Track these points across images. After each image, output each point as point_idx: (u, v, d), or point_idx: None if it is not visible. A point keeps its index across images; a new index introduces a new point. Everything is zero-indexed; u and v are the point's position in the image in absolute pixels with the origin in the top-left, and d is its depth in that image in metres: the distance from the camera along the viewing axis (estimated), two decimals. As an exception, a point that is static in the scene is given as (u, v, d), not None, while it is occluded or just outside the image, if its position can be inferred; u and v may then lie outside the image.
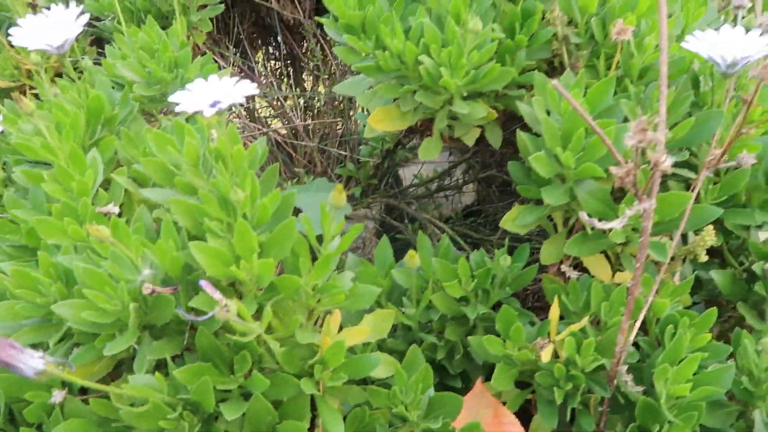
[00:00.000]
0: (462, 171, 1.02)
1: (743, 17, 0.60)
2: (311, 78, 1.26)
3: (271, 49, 1.26)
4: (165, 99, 0.67)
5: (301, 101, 1.18)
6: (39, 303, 0.47)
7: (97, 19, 0.91)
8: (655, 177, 0.44)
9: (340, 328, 0.52)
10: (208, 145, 0.52)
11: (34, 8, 0.94)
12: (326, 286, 0.48)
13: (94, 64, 0.81)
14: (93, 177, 0.55)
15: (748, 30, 0.54)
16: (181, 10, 0.91)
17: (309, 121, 1.12)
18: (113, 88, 0.70)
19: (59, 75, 0.80)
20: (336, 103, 1.16)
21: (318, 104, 1.17)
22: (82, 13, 0.58)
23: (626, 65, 0.59)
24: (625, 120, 0.55)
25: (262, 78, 1.21)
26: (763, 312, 0.54)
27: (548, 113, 0.56)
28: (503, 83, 0.59)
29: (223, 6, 0.93)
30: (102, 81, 0.66)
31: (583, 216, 0.46)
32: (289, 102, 1.26)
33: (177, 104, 0.45)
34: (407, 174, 1.11)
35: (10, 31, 0.56)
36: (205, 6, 0.93)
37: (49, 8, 0.73)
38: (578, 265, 0.60)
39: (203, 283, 0.38)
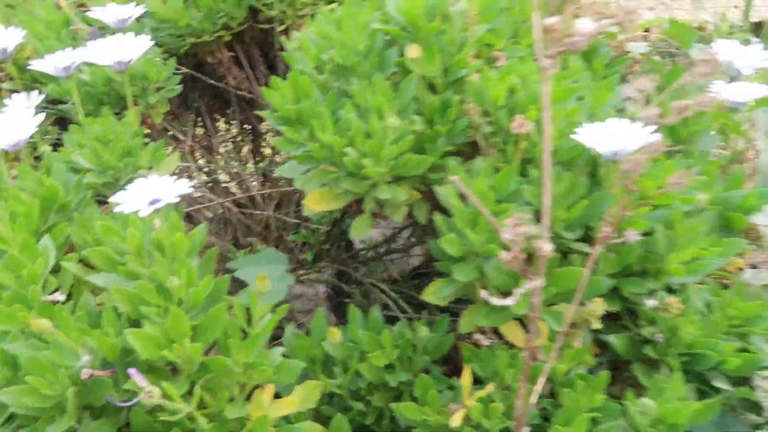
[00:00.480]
0: (408, 234, 1.09)
1: (632, 108, 0.69)
2: (270, 147, 1.33)
3: (230, 121, 1.33)
4: (117, 185, 0.73)
5: (259, 170, 1.24)
6: (-15, 389, 0.51)
7: (60, 102, 0.97)
8: (540, 262, 0.51)
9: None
10: (149, 234, 0.57)
11: (-1, 91, 1.00)
12: (255, 363, 0.52)
13: (56, 144, 0.86)
14: (43, 264, 0.59)
15: (633, 121, 0.62)
16: (140, 93, 0.97)
17: (265, 189, 1.18)
18: (71, 171, 0.75)
19: (17, 159, 0.85)
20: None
21: (272, 172, 1.23)
22: (39, 112, 0.64)
23: (531, 152, 0.66)
24: (528, 203, 0.62)
25: (221, 148, 1.28)
26: (656, 372, 0.60)
27: (462, 197, 0.63)
28: (422, 170, 0.66)
29: (180, 87, 1.00)
30: (58, 168, 0.71)
31: (482, 293, 0.52)
32: (248, 169, 1.33)
33: (118, 206, 0.51)
34: (364, 237, 1.17)
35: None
36: (162, 87, 1.00)
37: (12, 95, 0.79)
38: (498, 332, 0.66)
39: (132, 371, 0.43)
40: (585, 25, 0.53)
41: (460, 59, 0.69)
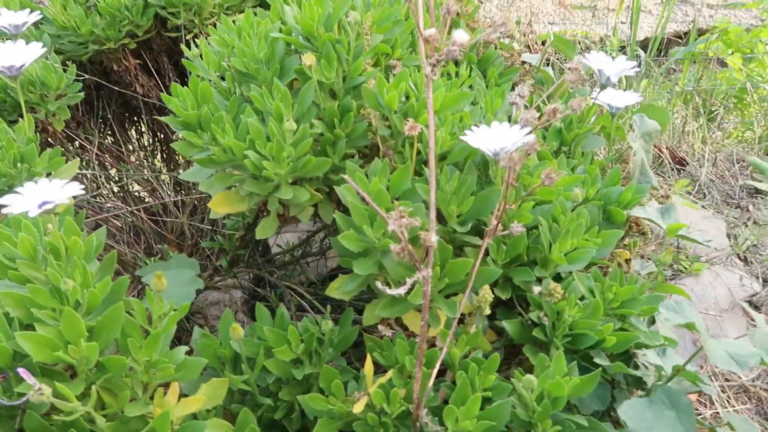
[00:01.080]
0: (323, 237, 1.11)
1: (515, 112, 0.74)
2: (182, 156, 1.31)
3: (140, 130, 1.31)
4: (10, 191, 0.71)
5: (172, 177, 1.23)
6: None
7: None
8: (429, 252, 0.55)
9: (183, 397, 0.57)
10: (43, 239, 0.56)
11: None
12: (156, 361, 0.53)
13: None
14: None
15: (514, 124, 0.67)
16: (39, 101, 0.94)
17: (177, 197, 1.17)
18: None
19: None
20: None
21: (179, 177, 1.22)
22: None
23: (425, 153, 0.70)
24: (423, 201, 0.65)
25: (132, 157, 1.25)
26: (545, 353, 0.65)
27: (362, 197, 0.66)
28: (323, 171, 0.68)
29: (81, 95, 0.98)
30: (-54, 177, 0.69)
31: (377, 284, 0.55)
32: (163, 178, 1.31)
33: (6, 207, 0.50)
34: (281, 241, 1.18)
35: None
36: (63, 95, 0.97)
37: None
38: (400, 323, 0.69)
39: (21, 370, 0.43)
40: (461, 36, 0.58)
41: (357, 66, 0.72)
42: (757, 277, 1.19)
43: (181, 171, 1.34)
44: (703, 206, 1.33)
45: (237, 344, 0.62)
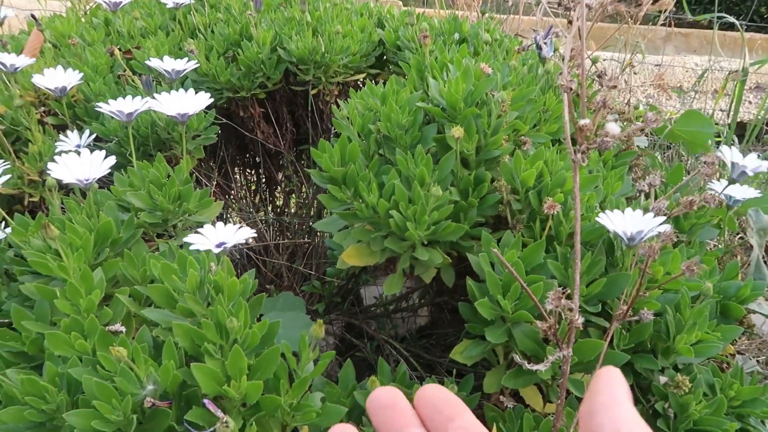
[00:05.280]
0: (418, 295, 1.13)
1: (645, 199, 0.76)
2: (283, 197, 1.38)
3: (251, 171, 1.38)
4: (165, 225, 0.77)
5: (272, 219, 1.29)
6: (45, 410, 0.53)
7: (103, 140, 1.01)
8: (571, 332, 0.56)
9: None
10: (207, 276, 0.61)
11: (43, 124, 1.04)
12: (300, 405, 0.56)
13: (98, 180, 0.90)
14: (99, 295, 0.63)
15: (646, 211, 0.69)
16: (179, 139, 1.03)
17: (280, 240, 1.23)
18: (120, 210, 0.79)
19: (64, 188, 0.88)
20: (306, 225, 1.28)
21: (289, 223, 1.28)
22: (100, 150, 0.69)
23: (556, 230, 0.72)
24: (552, 276, 0.67)
25: (239, 196, 1.32)
26: (665, 445, 0.65)
27: (492, 265, 0.69)
28: (457, 236, 0.71)
29: (215, 137, 1.05)
30: (110, 206, 0.75)
31: (516, 357, 0.56)
32: (260, 214, 1.37)
33: (191, 243, 0.55)
34: (368, 293, 1.21)
35: (49, 165, 0.66)
36: (199, 135, 1.05)
37: (59, 131, 0.84)
38: (516, 395, 0.70)
39: (207, 402, 0.46)
40: (613, 128, 0.61)
41: (495, 141, 0.76)
42: None
43: (280, 213, 1.40)
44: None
45: (361, 395, 0.64)
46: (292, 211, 1.34)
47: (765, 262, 1.42)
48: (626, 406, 0.26)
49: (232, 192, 1.31)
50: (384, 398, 0.29)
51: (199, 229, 0.57)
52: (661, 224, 0.66)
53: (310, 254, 1.24)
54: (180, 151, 1.07)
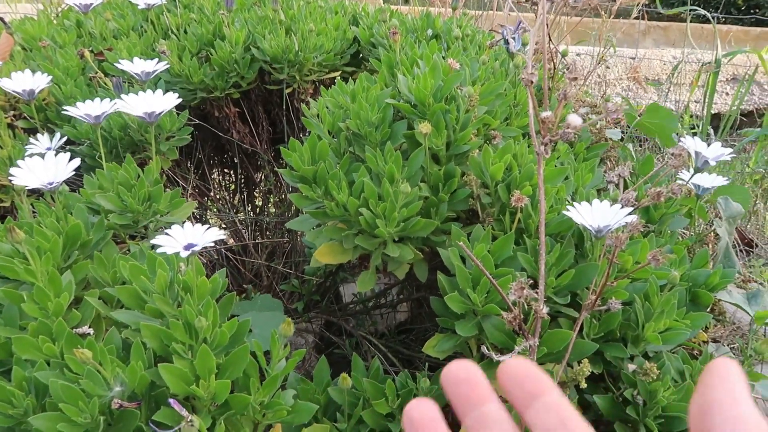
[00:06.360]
0: (396, 291, 1.14)
1: (613, 190, 0.77)
2: (261, 197, 1.38)
3: (227, 171, 1.38)
4: (136, 226, 0.77)
5: (251, 218, 1.29)
6: (12, 414, 0.53)
7: (75, 143, 1.00)
8: (537, 322, 0.57)
9: (280, 441, 0.60)
10: (176, 276, 0.61)
11: (13, 128, 1.03)
12: (271, 402, 0.56)
13: (70, 183, 0.89)
14: (68, 298, 0.62)
15: (615, 202, 0.70)
16: (151, 140, 1.02)
17: (258, 239, 1.22)
18: (89, 212, 0.78)
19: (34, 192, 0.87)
20: (284, 224, 1.28)
21: (267, 223, 1.28)
22: (66, 152, 0.68)
23: (525, 223, 0.73)
24: (522, 269, 0.68)
25: (218, 197, 1.32)
26: (636, 431, 0.66)
27: (463, 259, 0.69)
28: (428, 232, 0.72)
29: (189, 138, 1.05)
30: (79, 208, 0.75)
31: (484, 349, 0.57)
32: (240, 216, 1.37)
33: (159, 246, 0.55)
34: (347, 291, 1.22)
35: (11, 170, 0.65)
36: (173, 136, 1.05)
37: (30, 134, 0.83)
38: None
39: (172, 401, 0.46)
40: (575, 120, 0.61)
41: (464, 136, 0.77)
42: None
43: (259, 213, 1.40)
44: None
45: (340, 394, 0.64)
46: (272, 210, 1.33)
47: (737, 250, 1.44)
48: (746, 405, 0.23)
49: (211, 193, 1.30)
50: (459, 372, 0.28)
51: (167, 231, 0.57)
52: (629, 215, 0.67)
53: (289, 253, 1.24)
54: (155, 153, 1.06)
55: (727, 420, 0.23)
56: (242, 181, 1.42)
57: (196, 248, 0.55)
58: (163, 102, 0.79)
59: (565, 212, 0.68)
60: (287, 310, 1.16)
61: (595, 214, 0.68)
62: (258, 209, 1.43)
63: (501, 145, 0.78)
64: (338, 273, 1.06)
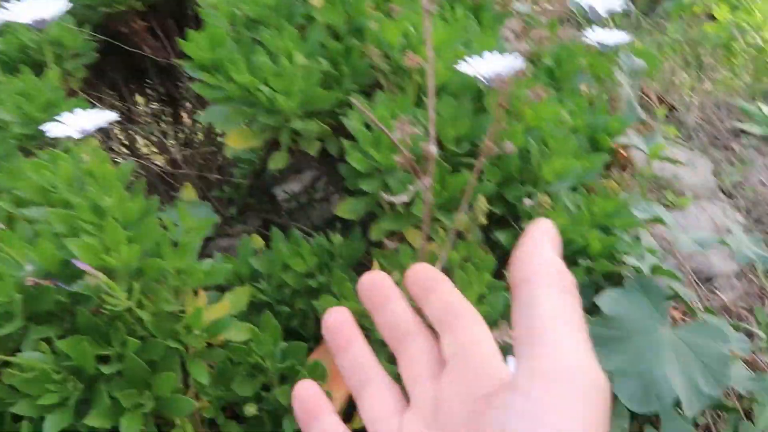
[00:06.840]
0: (325, 183, 1.17)
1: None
2: (186, 112, 1.37)
3: (148, 90, 1.36)
4: (42, 136, 0.76)
5: (181, 135, 1.28)
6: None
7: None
8: (429, 162, 0.60)
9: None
10: (80, 166, 0.62)
11: None
12: (187, 268, 0.59)
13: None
14: (-23, 203, 0.63)
15: (509, 54, 0.72)
16: (56, 60, 0.99)
17: (187, 151, 1.23)
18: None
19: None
20: (213, 135, 1.28)
21: (196, 137, 1.28)
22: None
23: (424, 85, 0.76)
24: (424, 127, 0.71)
25: (141, 118, 1.31)
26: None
27: (368, 126, 0.72)
28: (330, 103, 0.74)
29: (96, 55, 1.03)
30: (-21, 123, 0.74)
31: (382, 194, 0.61)
32: (169, 136, 1.36)
33: (49, 131, 0.56)
34: (281, 192, 1.24)
35: None
36: (78, 54, 1.02)
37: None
38: (404, 240, 0.75)
39: (76, 261, 0.49)
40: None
41: (359, 9, 0.78)
42: (740, 210, 1.25)
43: (188, 132, 1.39)
44: (690, 148, 1.38)
45: (258, 262, 0.68)
46: (200, 127, 1.33)
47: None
48: (547, 251, 0.28)
49: (132, 115, 1.29)
50: (371, 280, 0.34)
51: (56, 118, 0.58)
52: (516, 61, 0.70)
53: (219, 167, 1.25)
54: (61, 73, 1.04)
55: (530, 264, 0.28)
56: (168, 100, 1.40)
57: (89, 129, 0.56)
58: (52, 7, 0.77)
59: (457, 66, 0.70)
60: (224, 218, 1.18)
61: (489, 66, 0.71)
62: (182, 124, 1.42)
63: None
64: (265, 171, 1.08)
